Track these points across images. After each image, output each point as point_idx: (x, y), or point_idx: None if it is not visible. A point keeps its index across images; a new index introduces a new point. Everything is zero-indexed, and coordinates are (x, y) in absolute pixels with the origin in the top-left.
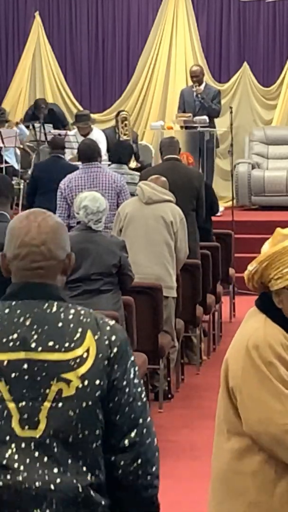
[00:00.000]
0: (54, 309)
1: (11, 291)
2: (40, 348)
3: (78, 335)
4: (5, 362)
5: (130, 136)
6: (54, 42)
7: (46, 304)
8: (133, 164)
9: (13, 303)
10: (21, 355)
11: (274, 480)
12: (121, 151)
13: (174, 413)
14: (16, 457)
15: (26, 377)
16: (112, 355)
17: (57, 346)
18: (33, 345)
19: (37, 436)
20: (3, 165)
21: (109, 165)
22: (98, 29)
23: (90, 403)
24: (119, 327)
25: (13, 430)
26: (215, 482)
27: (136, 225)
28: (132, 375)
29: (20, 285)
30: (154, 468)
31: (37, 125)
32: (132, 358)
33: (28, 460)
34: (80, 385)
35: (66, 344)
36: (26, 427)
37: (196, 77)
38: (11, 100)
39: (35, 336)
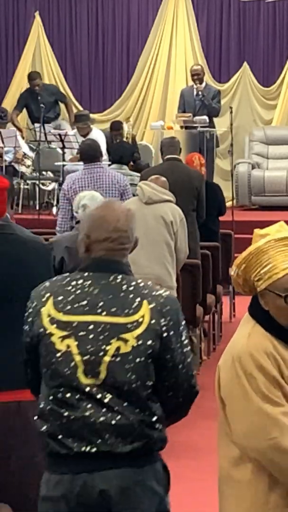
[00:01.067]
0: (118, 281)
1: (86, 265)
2: (104, 313)
3: (136, 303)
4: (75, 323)
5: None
6: (54, 42)
7: (112, 277)
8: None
9: (85, 274)
10: (89, 318)
11: (267, 490)
12: (122, 151)
13: None
14: (83, 398)
15: (91, 336)
16: (164, 321)
17: (118, 312)
18: (98, 310)
19: (98, 384)
20: (3, 165)
21: (109, 165)
22: (98, 29)
23: (142, 359)
24: (172, 298)
25: (78, 378)
26: (219, 484)
27: (136, 225)
28: (183, 338)
29: (93, 260)
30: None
31: (37, 125)
32: (183, 323)
33: (92, 401)
34: (135, 344)
35: (126, 310)
36: (89, 376)
37: (197, 76)
38: (11, 100)
39: (101, 303)
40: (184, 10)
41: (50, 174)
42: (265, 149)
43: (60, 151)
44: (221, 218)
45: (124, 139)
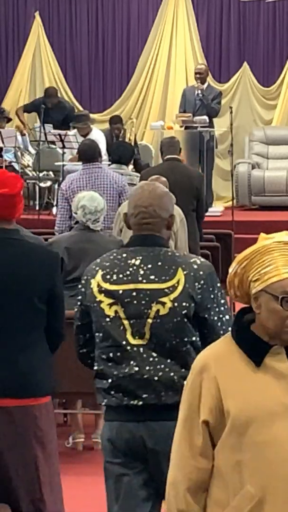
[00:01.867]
0: (156, 252)
1: (128, 241)
2: (144, 281)
3: (172, 270)
4: (120, 291)
5: (133, 139)
6: (54, 42)
7: (151, 249)
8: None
9: (129, 249)
10: (131, 286)
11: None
12: (122, 151)
13: None
14: (130, 356)
15: (135, 301)
16: (198, 285)
17: (156, 279)
18: (139, 278)
19: (144, 343)
20: (3, 165)
21: (109, 165)
22: (98, 29)
23: (179, 319)
24: (206, 264)
25: (127, 339)
26: None
27: None
28: (219, 298)
29: (135, 236)
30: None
31: (36, 125)
32: (218, 285)
33: (139, 359)
34: (172, 306)
35: (163, 277)
36: (136, 337)
37: (200, 75)
38: (11, 100)
39: (141, 272)
40: (184, 10)
41: (51, 174)
42: (265, 149)
43: (60, 151)
44: (221, 218)
45: (127, 140)
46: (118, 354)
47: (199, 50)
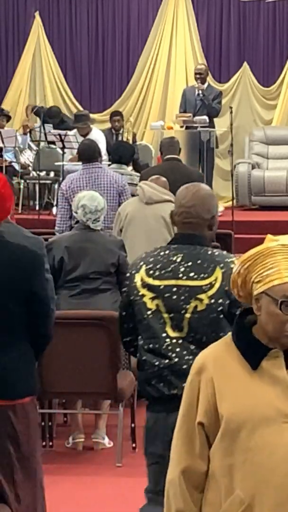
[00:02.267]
0: (197, 251)
1: (172, 238)
2: (184, 277)
3: (210, 268)
4: (162, 286)
5: (131, 138)
6: (54, 42)
7: (192, 248)
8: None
9: (173, 246)
10: (172, 282)
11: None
12: (122, 151)
13: None
14: (170, 348)
15: (174, 296)
16: None
17: (195, 276)
18: (180, 275)
19: (183, 336)
20: (3, 165)
21: (109, 165)
22: (98, 29)
23: (215, 315)
24: None
25: (167, 332)
26: None
27: (137, 225)
28: None
29: (178, 234)
30: None
31: (36, 125)
32: None
33: (177, 351)
34: (209, 302)
35: (202, 275)
36: (176, 330)
37: (200, 75)
38: (11, 100)
39: (182, 269)
40: (184, 10)
41: (51, 174)
42: (265, 149)
43: (60, 151)
44: (221, 218)
45: (124, 139)
46: (158, 345)
47: (199, 50)
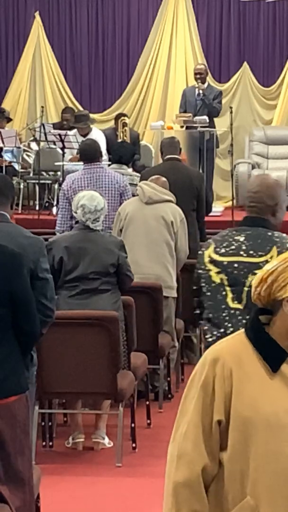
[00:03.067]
0: (258, 232)
1: (241, 220)
2: (245, 255)
3: (268, 247)
4: (225, 262)
5: (128, 138)
6: (54, 42)
7: (255, 229)
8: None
9: (239, 227)
10: (234, 258)
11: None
12: (123, 151)
13: (174, 413)
14: (227, 319)
15: (235, 272)
16: None
17: (254, 254)
18: (241, 252)
19: (241, 308)
20: (3, 165)
21: (109, 165)
22: (98, 29)
23: None
24: None
25: (227, 303)
26: None
27: (137, 225)
28: None
29: (244, 217)
30: None
31: (36, 124)
32: None
33: (234, 321)
34: None
35: (259, 253)
36: (235, 302)
37: (200, 75)
38: (11, 100)
39: (244, 247)
40: (184, 10)
41: (51, 174)
42: (265, 149)
43: (60, 151)
44: (221, 218)
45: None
46: (217, 315)
47: (199, 50)
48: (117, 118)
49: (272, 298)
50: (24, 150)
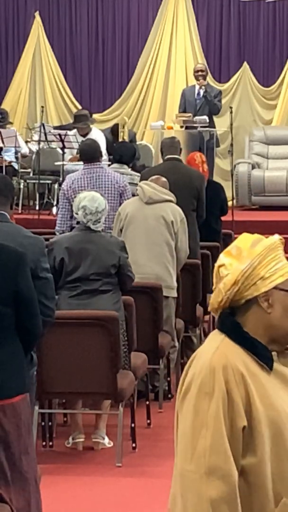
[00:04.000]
0: None
1: None
2: None
3: None
4: None
5: (127, 139)
6: (54, 42)
7: None
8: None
9: None
10: None
11: None
12: (123, 151)
13: (174, 413)
14: None
15: None
16: None
17: None
18: None
19: None
20: (3, 165)
21: (109, 165)
22: (98, 29)
23: None
24: None
25: None
26: None
27: (137, 225)
28: None
29: None
30: None
31: (36, 124)
32: None
33: None
34: None
35: None
36: None
37: (202, 72)
38: (11, 100)
39: None
40: (184, 10)
41: (51, 174)
42: (265, 149)
43: (60, 151)
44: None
45: (120, 139)
46: None
47: (199, 50)
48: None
49: (239, 298)
50: (27, 142)
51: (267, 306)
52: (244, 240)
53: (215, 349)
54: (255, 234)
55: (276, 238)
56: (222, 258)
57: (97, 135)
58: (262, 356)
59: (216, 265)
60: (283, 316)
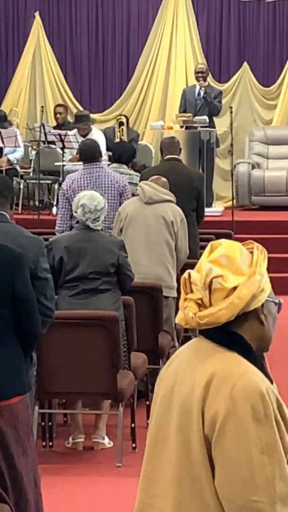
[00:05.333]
0: None
1: None
2: None
3: None
4: None
5: (126, 138)
6: (54, 42)
7: None
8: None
9: None
10: None
11: None
12: (123, 150)
13: None
14: None
15: None
16: None
17: None
18: None
19: None
20: (3, 168)
21: (108, 165)
22: (98, 29)
23: None
24: None
25: None
26: None
27: (137, 225)
28: None
29: None
30: None
31: (36, 124)
32: None
33: None
34: None
35: None
36: None
37: (202, 73)
38: (11, 100)
39: None
40: (184, 10)
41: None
42: (265, 149)
43: (60, 151)
44: (221, 218)
45: (119, 139)
46: None
47: (199, 50)
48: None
49: (241, 311)
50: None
51: (264, 318)
52: (230, 248)
53: (246, 371)
54: (231, 241)
55: (255, 244)
56: (213, 268)
57: (97, 135)
58: (265, 371)
59: (203, 274)
60: (272, 327)
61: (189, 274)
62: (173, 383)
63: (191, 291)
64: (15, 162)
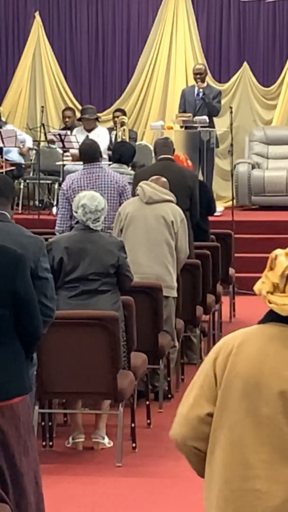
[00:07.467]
0: None
1: None
2: None
3: None
4: None
5: (127, 138)
6: (54, 42)
7: None
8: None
9: None
10: None
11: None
12: (123, 151)
13: (174, 413)
14: None
15: None
16: None
17: None
18: None
19: None
20: (3, 170)
21: (109, 165)
22: (98, 29)
23: None
24: None
25: None
26: None
27: (137, 225)
28: None
29: None
30: None
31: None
32: None
33: None
34: None
35: None
36: None
37: (200, 75)
38: (11, 100)
39: None
40: (184, 10)
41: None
42: (265, 149)
43: (60, 151)
44: (221, 218)
45: (119, 138)
46: None
47: (199, 50)
48: (114, 116)
49: None
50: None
51: None
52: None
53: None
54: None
55: None
56: None
57: (102, 131)
58: None
59: (286, 264)
60: None
61: (276, 255)
62: (259, 373)
63: (271, 269)
64: (17, 160)
